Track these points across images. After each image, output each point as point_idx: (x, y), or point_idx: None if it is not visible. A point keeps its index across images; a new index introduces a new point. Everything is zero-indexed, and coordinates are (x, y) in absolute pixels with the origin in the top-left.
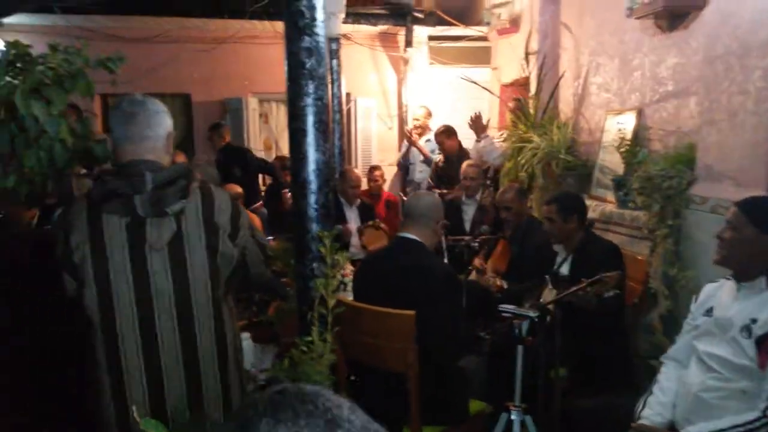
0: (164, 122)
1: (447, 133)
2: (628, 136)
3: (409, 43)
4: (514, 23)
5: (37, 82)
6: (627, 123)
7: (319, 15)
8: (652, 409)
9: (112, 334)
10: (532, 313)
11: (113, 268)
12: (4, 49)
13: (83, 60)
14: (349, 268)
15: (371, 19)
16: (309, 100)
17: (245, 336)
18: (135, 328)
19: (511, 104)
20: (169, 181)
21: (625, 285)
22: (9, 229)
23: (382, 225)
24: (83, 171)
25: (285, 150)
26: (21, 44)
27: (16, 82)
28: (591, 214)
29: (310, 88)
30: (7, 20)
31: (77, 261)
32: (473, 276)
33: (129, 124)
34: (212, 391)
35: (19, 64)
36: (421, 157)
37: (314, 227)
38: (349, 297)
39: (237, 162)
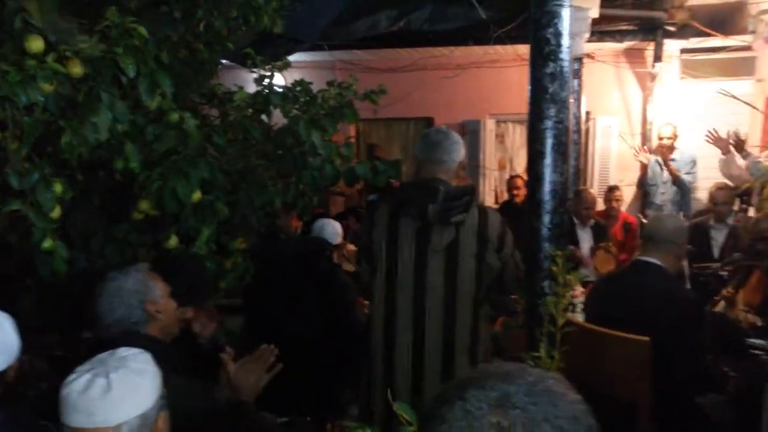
0: (460, 151)
1: None
2: None
3: (658, 57)
4: None
5: (315, 113)
6: None
7: (565, 41)
8: None
9: (392, 311)
10: None
11: (401, 260)
12: (290, 85)
13: (352, 93)
14: (579, 290)
15: (617, 36)
16: (549, 123)
17: None
18: (410, 309)
19: None
20: (457, 196)
21: None
22: (280, 238)
23: (613, 248)
24: (338, 190)
25: (519, 169)
26: (305, 82)
27: (299, 113)
28: None
29: (551, 111)
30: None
31: (375, 250)
32: (720, 307)
33: (433, 149)
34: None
35: (302, 99)
36: (664, 178)
37: (547, 246)
38: (578, 318)
39: None
